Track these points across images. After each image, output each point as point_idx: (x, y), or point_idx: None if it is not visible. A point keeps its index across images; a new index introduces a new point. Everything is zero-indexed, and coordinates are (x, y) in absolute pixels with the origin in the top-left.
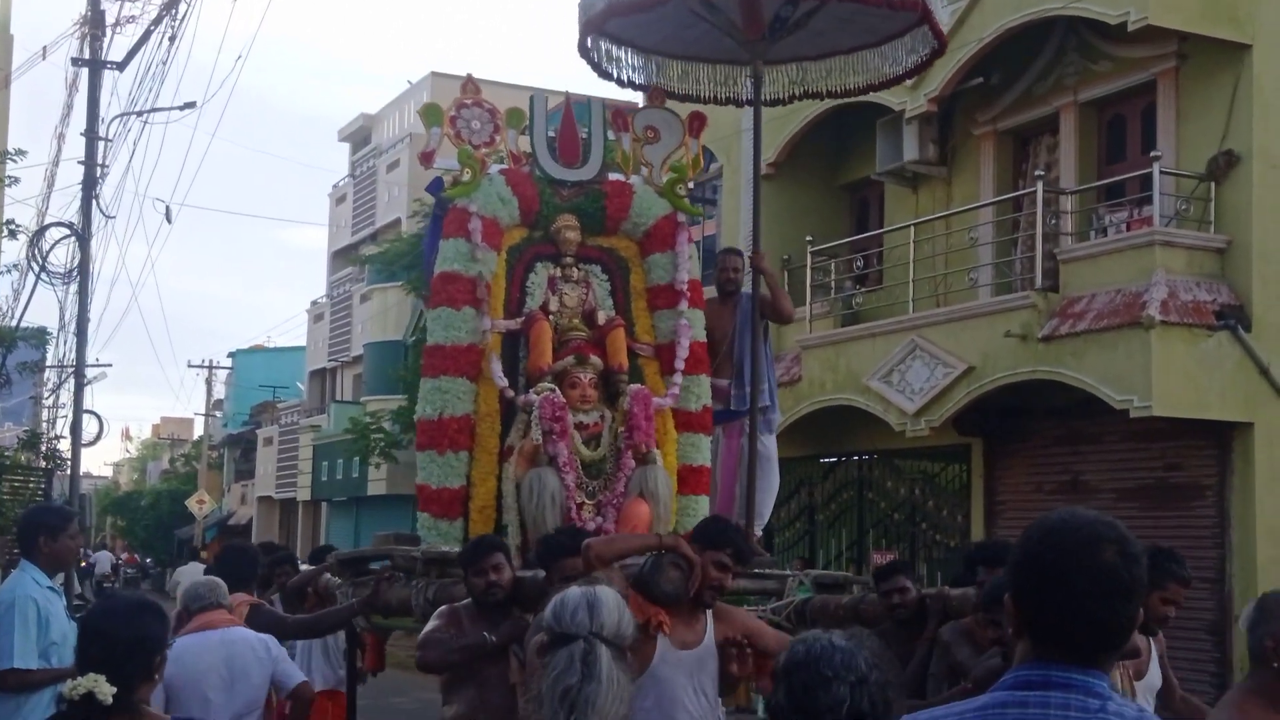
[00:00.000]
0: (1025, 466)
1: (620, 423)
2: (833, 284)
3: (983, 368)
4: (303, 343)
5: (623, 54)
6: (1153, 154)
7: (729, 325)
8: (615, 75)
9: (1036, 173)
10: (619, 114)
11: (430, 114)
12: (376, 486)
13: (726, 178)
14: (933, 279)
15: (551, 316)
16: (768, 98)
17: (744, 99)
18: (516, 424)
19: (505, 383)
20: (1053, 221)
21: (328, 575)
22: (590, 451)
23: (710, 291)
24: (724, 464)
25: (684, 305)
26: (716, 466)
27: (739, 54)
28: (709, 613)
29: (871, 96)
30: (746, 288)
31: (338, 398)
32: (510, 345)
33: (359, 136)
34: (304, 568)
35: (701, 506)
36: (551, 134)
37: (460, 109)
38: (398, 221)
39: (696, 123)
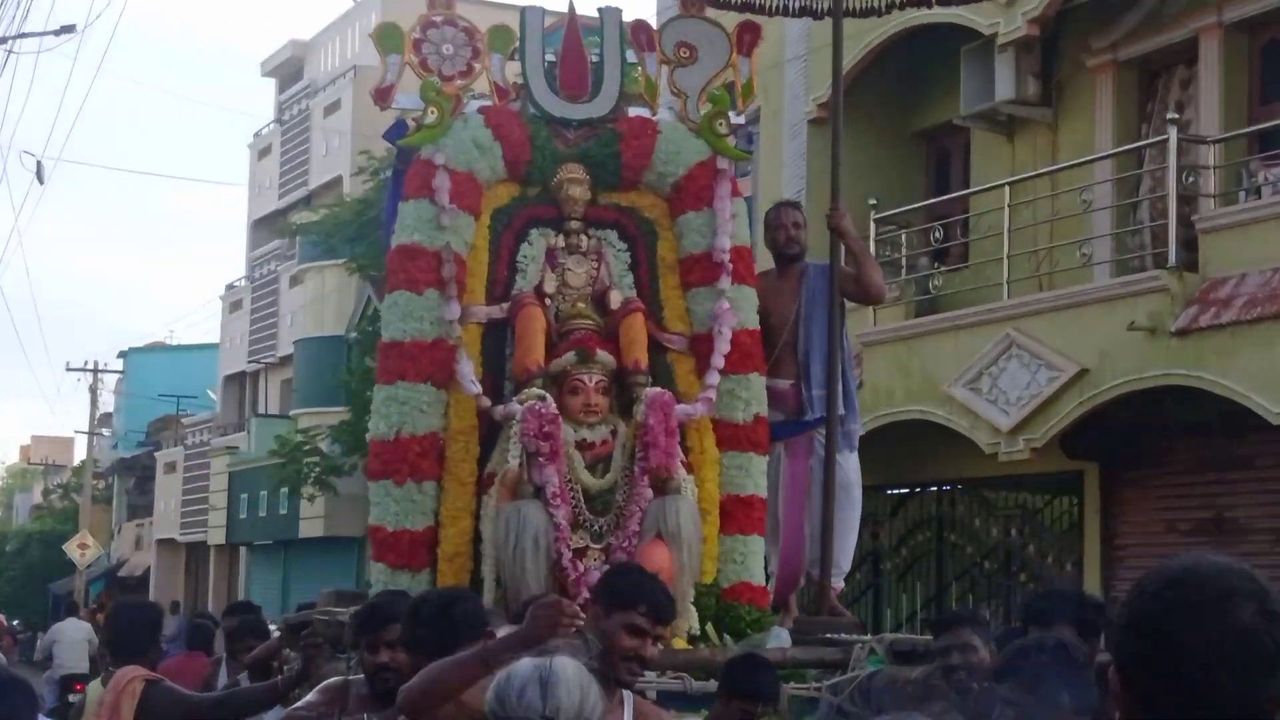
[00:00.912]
0: (1154, 500)
1: (635, 439)
2: (903, 261)
3: (1099, 371)
4: (215, 339)
5: None
6: None
7: (790, 306)
8: None
9: (1168, 116)
10: (641, 28)
11: (387, 37)
12: (311, 526)
13: (765, 124)
14: (1034, 255)
15: (550, 301)
16: (854, 7)
17: (821, 8)
18: (500, 444)
19: (477, 389)
20: (1190, 180)
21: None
22: (596, 479)
23: (763, 262)
24: (787, 494)
25: (726, 281)
26: (776, 497)
27: None
28: (629, 702)
29: (955, 15)
30: (815, 255)
31: (261, 410)
32: (496, 340)
33: (287, 70)
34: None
35: (753, 551)
36: (550, 58)
37: (427, 29)
38: (339, 181)
39: (748, 37)
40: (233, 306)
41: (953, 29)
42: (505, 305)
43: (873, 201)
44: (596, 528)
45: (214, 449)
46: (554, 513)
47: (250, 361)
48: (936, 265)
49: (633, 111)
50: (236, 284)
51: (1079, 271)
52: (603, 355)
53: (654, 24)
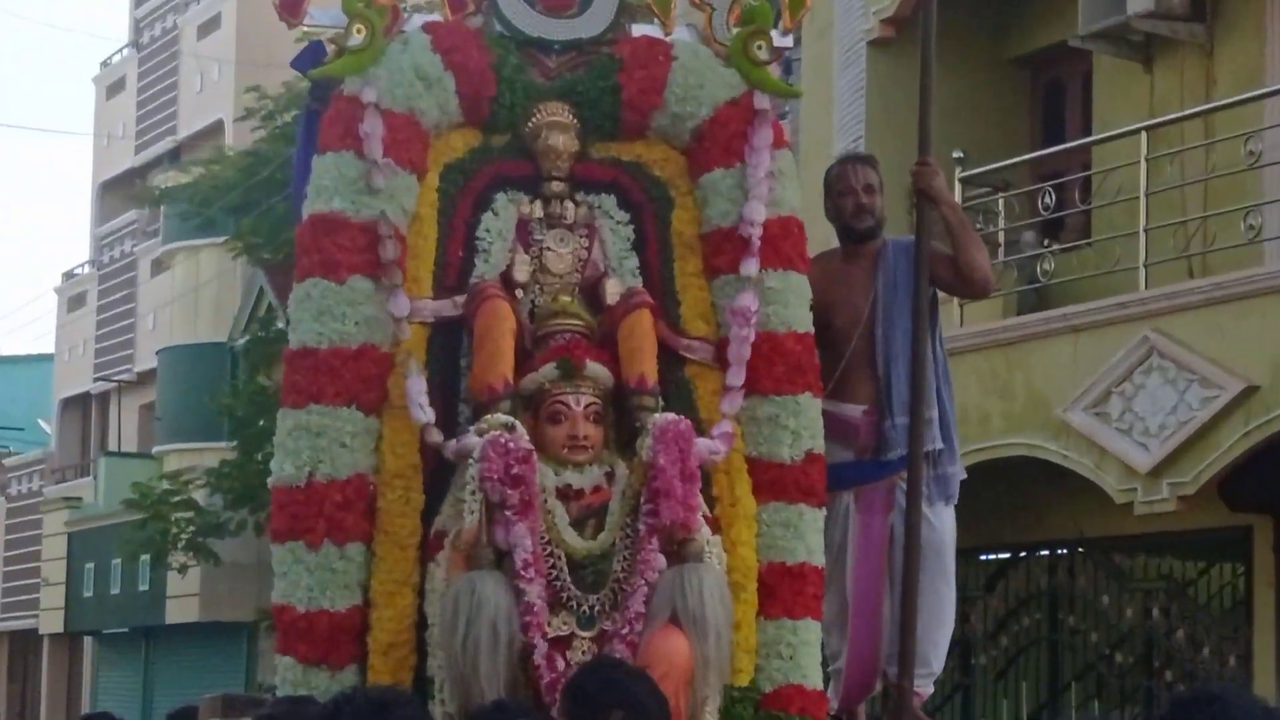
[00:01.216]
0: None
1: (641, 486)
2: (1000, 238)
3: (1273, 388)
4: (49, 349)
5: None
6: None
7: (863, 301)
8: None
9: None
10: None
11: None
12: (183, 608)
13: (807, 47)
14: (1182, 228)
15: (522, 292)
16: None
17: None
18: (452, 492)
19: (429, 415)
20: None
21: None
22: (586, 540)
23: (820, 240)
24: (859, 562)
25: (753, 265)
26: (842, 565)
27: None
28: None
29: None
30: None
31: (112, 447)
32: (445, 347)
33: None
34: None
35: (805, 641)
36: None
37: None
38: (218, 128)
39: None
40: (72, 303)
41: None
42: (460, 299)
43: (958, 155)
44: (586, 608)
45: (47, 500)
46: (525, 589)
47: (97, 379)
48: (1047, 243)
49: (637, 30)
50: (77, 271)
51: (1244, 251)
52: (595, 368)
53: None
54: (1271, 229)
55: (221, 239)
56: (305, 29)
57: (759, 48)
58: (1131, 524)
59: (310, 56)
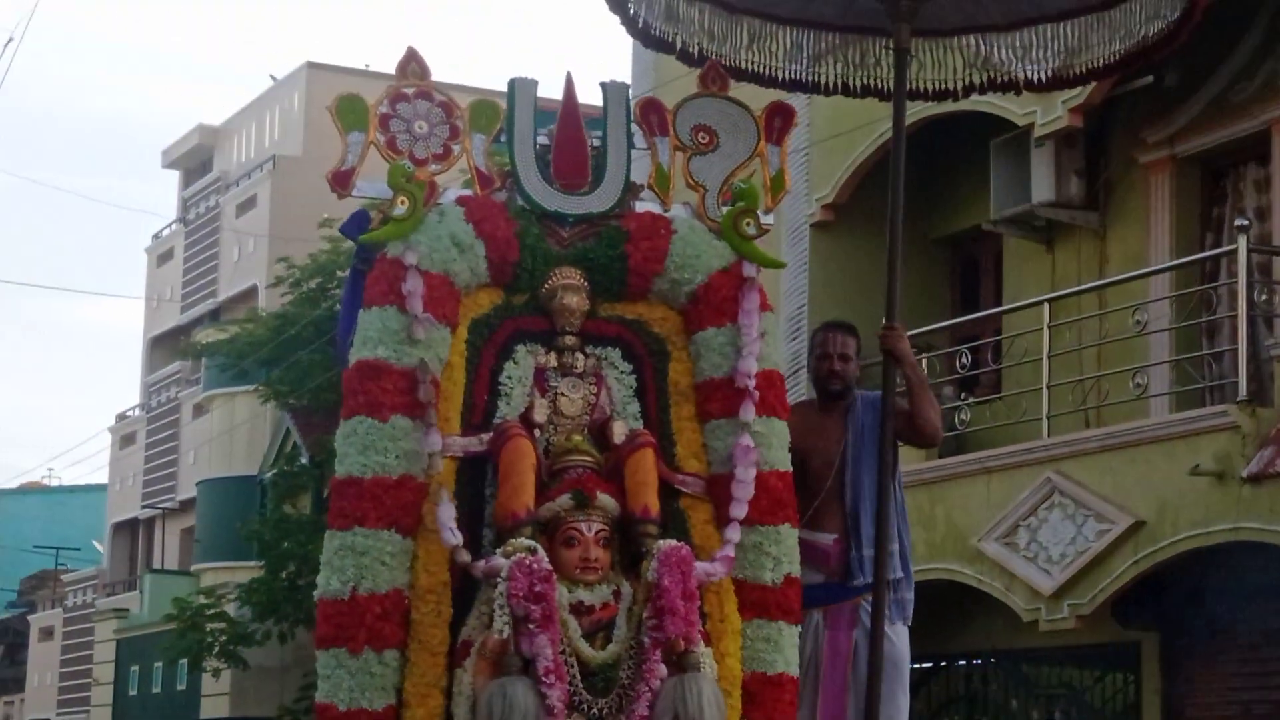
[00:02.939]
0: (1225, 677)
1: (645, 604)
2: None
3: (1158, 524)
4: (103, 480)
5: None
6: None
7: (835, 446)
8: (675, 40)
9: (1238, 222)
10: (652, 107)
11: (348, 111)
12: (215, 706)
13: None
14: (1079, 385)
15: (539, 432)
16: (926, 86)
17: (881, 86)
18: (478, 606)
19: (458, 539)
20: (1263, 297)
21: None
22: (596, 651)
23: (798, 390)
24: (827, 675)
25: (750, 411)
26: (812, 676)
27: (872, 15)
28: None
29: (986, 102)
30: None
31: (156, 565)
32: (472, 479)
33: (194, 160)
34: None
35: None
36: (544, 140)
37: (396, 103)
38: (252, 292)
39: (779, 121)
40: (124, 441)
41: (982, 119)
42: (485, 436)
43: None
44: (596, 711)
45: (99, 611)
46: (548, 693)
47: (144, 507)
48: (963, 396)
49: (642, 206)
50: (129, 414)
51: (1132, 405)
52: (605, 499)
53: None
54: (1156, 386)
55: (254, 387)
56: (357, 199)
57: (748, 224)
58: (1037, 639)
59: (356, 223)
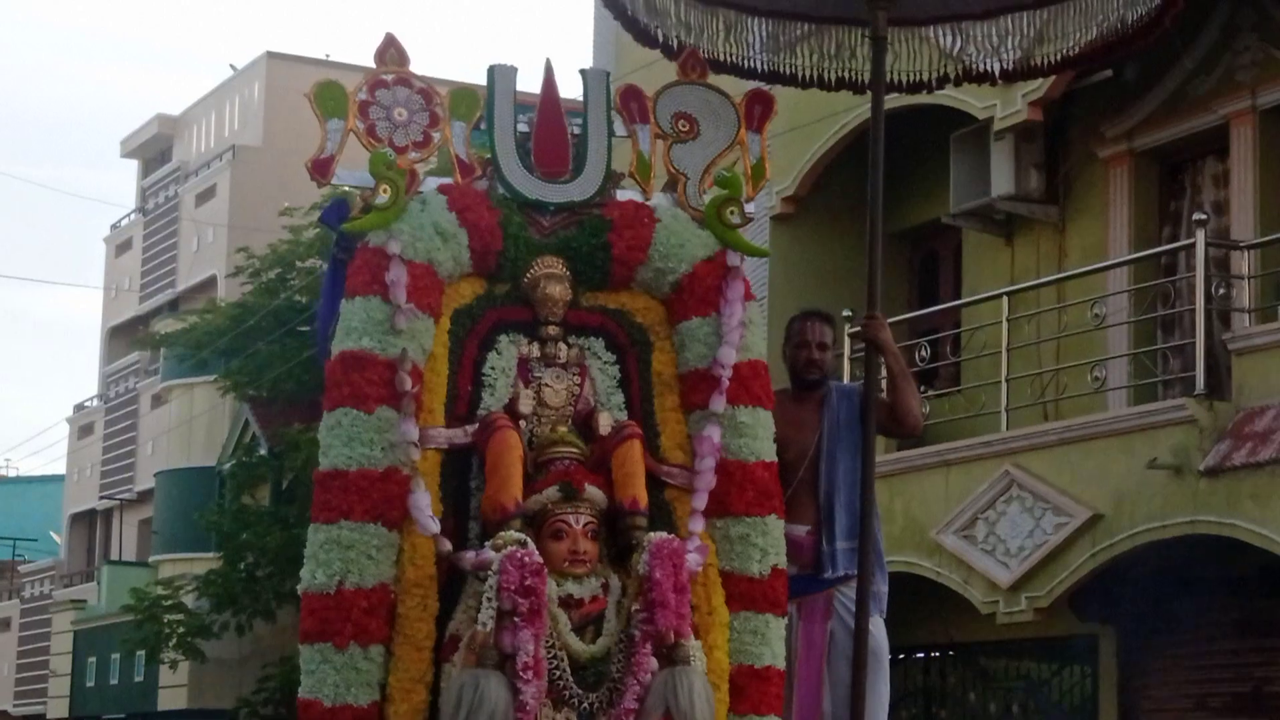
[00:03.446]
0: (1181, 670)
1: (635, 597)
2: (882, 385)
3: (1115, 517)
4: (61, 470)
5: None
6: None
7: (810, 437)
8: (657, 33)
9: (1196, 216)
10: (632, 95)
11: (327, 98)
12: (173, 697)
13: None
14: (1038, 379)
15: (524, 423)
16: (900, 78)
17: (863, 80)
18: (464, 600)
19: (435, 527)
20: (1221, 291)
21: None
22: (585, 645)
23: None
24: (802, 667)
25: (720, 402)
26: (788, 667)
27: (847, 4)
28: None
29: (946, 96)
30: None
31: (114, 557)
32: (456, 471)
33: (153, 150)
34: None
35: None
36: (524, 128)
37: (375, 90)
38: (211, 282)
39: (759, 108)
40: (82, 431)
41: (941, 112)
42: (470, 428)
43: (848, 314)
44: (586, 705)
45: (56, 603)
46: (522, 689)
47: (102, 498)
48: (922, 389)
49: (624, 194)
50: (87, 404)
51: (1090, 399)
52: (592, 491)
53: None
54: (1114, 380)
55: (212, 378)
56: (336, 186)
57: (731, 213)
58: (994, 632)
59: (336, 212)
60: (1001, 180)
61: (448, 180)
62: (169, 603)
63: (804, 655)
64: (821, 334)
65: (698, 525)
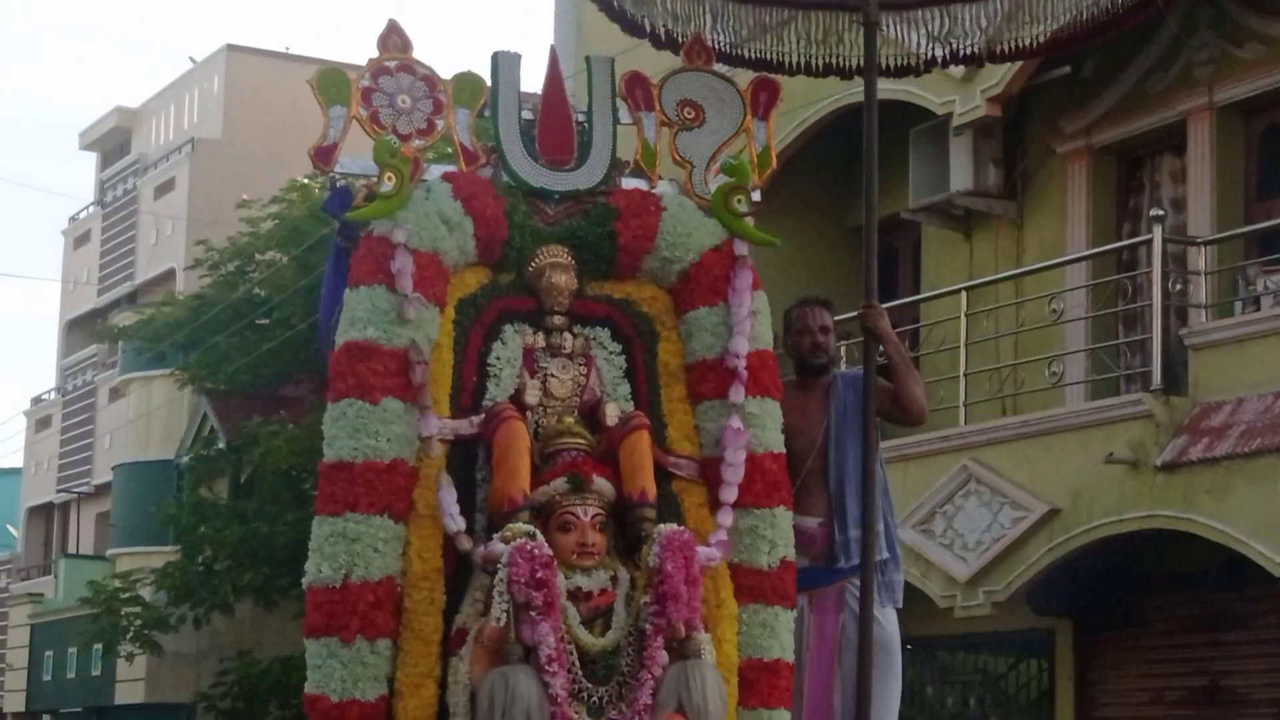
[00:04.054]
0: (1137, 664)
1: (645, 589)
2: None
3: (1072, 512)
4: (18, 463)
5: None
6: None
7: (817, 426)
8: (644, 23)
9: (1153, 212)
10: (637, 82)
11: (329, 85)
12: (130, 691)
13: None
14: (995, 374)
15: (530, 414)
16: (887, 62)
17: (850, 65)
18: (471, 593)
19: (460, 524)
20: (1178, 287)
21: None
22: (594, 638)
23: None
24: (814, 658)
25: (740, 392)
26: (798, 659)
27: None
28: None
29: (905, 90)
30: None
31: (71, 550)
32: (463, 462)
33: (112, 142)
34: None
35: None
36: (528, 115)
37: (379, 76)
38: (171, 275)
39: (764, 96)
40: (39, 424)
41: (901, 108)
42: (476, 419)
43: None
44: (596, 699)
45: (13, 596)
46: (550, 681)
47: (59, 491)
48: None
49: (629, 182)
50: (45, 397)
51: (1048, 394)
52: (600, 482)
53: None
54: (1072, 375)
55: (171, 371)
56: (339, 175)
57: (739, 201)
58: (952, 625)
59: (338, 200)
60: (960, 176)
61: (451, 168)
62: (126, 596)
63: (815, 649)
64: (822, 318)
65: (727, 518)
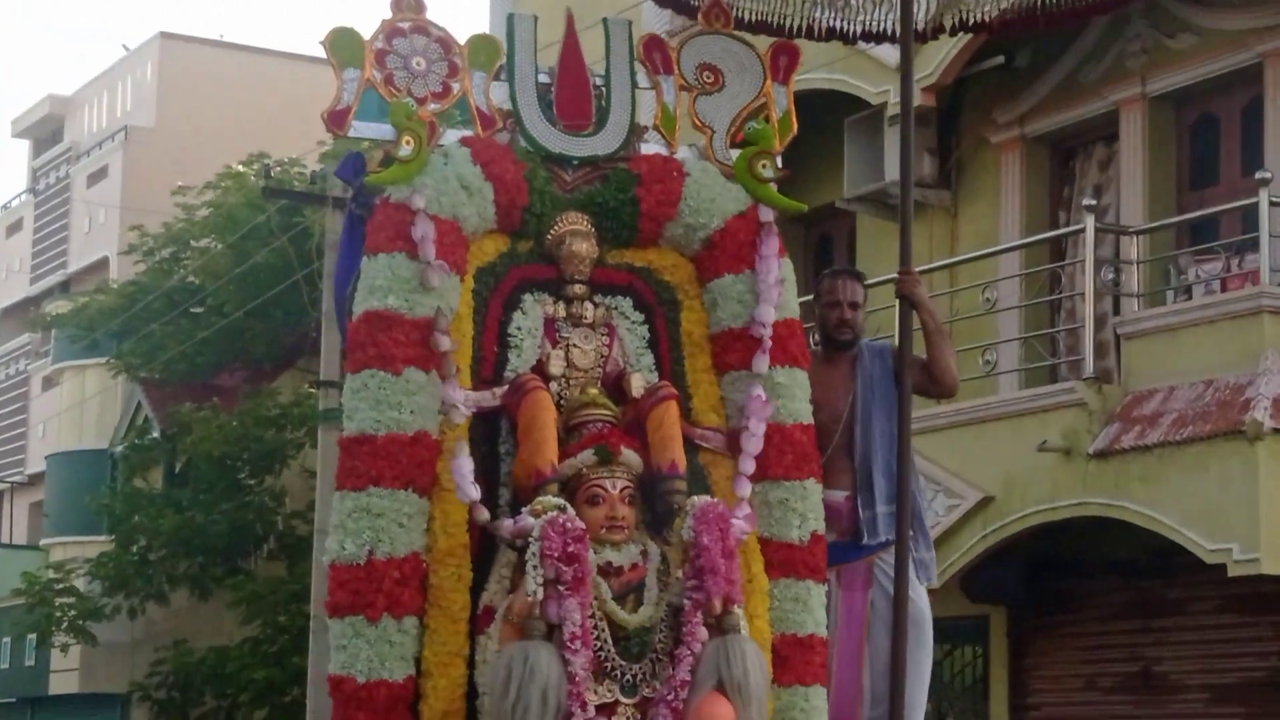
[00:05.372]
0: (1071, 651)
1: (680, 563)
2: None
3: (1005, 499)
4: None
5: None
6: (1259, 175)
7: (843, 399)
8: None
9: (1085, 202)
10: (656, 45)
11: (342, 46)
12: (64, 681)
13: None
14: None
15: (553, 384)
16: (924, 29)
17: (885, 29)
18: (497, 569)
19: (476, 493)
20: (1109, 276)
21: None
22: (628, 614)
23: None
24: (842, 636)
25: (764, 362)
26: (830, 638)
27: None
28: None
29: (841, 83)
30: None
31: (4, 540)
32: (485, 435)
33: (44, 130)
34: None
35: (816, 707)
36: (544, 78)
37: (393, 38)
38: (104, 263)
39: (785, 59)
40: None
41: (836, 97)
42: (499, 391)
43: None
44: (629, 677)
45: None
46: (570, 659)
47: None
48: None
49: (649, 148)
50: None
51: (981, 382)
52: (629, 454)
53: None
54: (1005, 364)
55: (104, 359)
56: (352, 139)
57: (763, 167)
58: None
59: (351, 166)
60: (895, 165)
61: (468, 133)
62: (60, 586)
63: (844, 625)
64: (854, 292)
65: (745, 490)
